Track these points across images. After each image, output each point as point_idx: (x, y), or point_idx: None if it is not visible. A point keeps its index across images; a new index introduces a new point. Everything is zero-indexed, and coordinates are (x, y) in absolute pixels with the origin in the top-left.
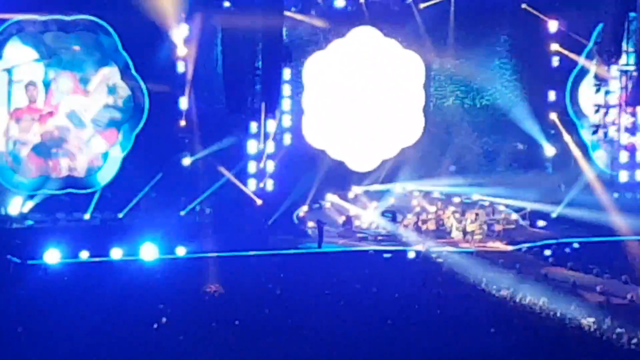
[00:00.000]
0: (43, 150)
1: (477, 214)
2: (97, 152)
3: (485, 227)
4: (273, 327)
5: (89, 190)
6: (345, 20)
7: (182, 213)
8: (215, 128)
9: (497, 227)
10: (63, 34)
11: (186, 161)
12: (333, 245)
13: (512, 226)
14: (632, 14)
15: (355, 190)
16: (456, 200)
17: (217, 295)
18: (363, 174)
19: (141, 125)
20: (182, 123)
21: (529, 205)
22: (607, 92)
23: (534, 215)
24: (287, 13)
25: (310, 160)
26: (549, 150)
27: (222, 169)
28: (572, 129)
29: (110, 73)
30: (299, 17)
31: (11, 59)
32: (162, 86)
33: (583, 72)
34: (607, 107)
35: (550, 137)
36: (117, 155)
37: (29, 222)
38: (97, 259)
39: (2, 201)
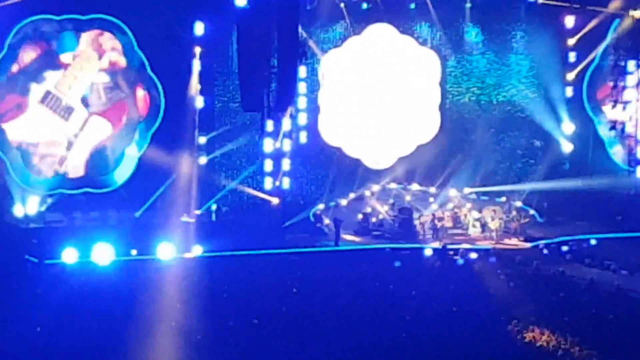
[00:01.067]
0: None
1: (494, 211)
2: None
3: (502, 224)
4: (290, 326)
5: (105, 190)
6: (362, 17)
7: (199, 212)
8: (231, 126)
9: (514, 224)
10: (77, 32)
11: (202, 160)
12: (350, 243)
13: (528, 221)
14: None
15: (372, 187)
16: (473, 197)
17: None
18: (379, 171)
19: (157, 124)
20: (198, 122)
21: (546, 202)
22: (624, 88)
23: (551, 212)
24: (302, 10)
25: (326, 158)
26: (566, 146)
27: (239, 168)
28: (589, 125)
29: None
30: (314, 14)
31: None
32: (177, 85)
33: (600, 67)
34: (625, 102)
35: (567, 133)
36: (133, 154)
37: (46, 222)
38: (114, 259)
39: (19, 201)
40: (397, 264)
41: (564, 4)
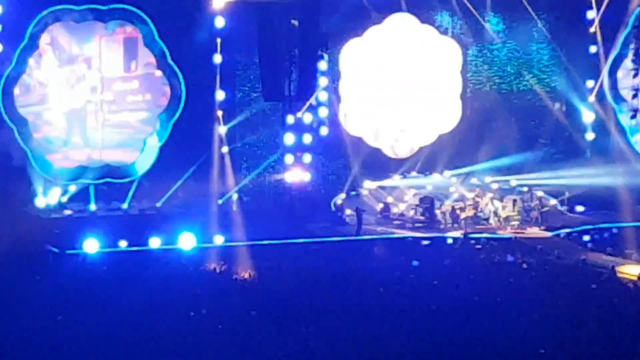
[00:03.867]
0: None
1: (515, 200)
2: None
3: (523, 213)
4: (311, 315)
5: (126, 180)
6: (382, 7)
7: (220, 202)
8: (251, 117)
9: (535, 213)
10: (99, 23)
11: (223, 150)
12: (371, 233)
13: (550, 210)
14: None
15: (393, 177)
16: (494, 186)
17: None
18: (400, 160)
19: (178, 114)
20: (219, 112)
21: (568, 191)
22: None
23: (573, 201)
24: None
25: (347, 148)
26: (587, 135)
27: (259, 158)
28: (611, 114)
29: None
30: (335, 4)
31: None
32: (198, 75)
33: (621, 56)
34: None
35: (588, 122)
36: (154, 144)
37: (68, 212)
38: (135, 248)
39: (40, 191)
40: (419, 251)
41: None
